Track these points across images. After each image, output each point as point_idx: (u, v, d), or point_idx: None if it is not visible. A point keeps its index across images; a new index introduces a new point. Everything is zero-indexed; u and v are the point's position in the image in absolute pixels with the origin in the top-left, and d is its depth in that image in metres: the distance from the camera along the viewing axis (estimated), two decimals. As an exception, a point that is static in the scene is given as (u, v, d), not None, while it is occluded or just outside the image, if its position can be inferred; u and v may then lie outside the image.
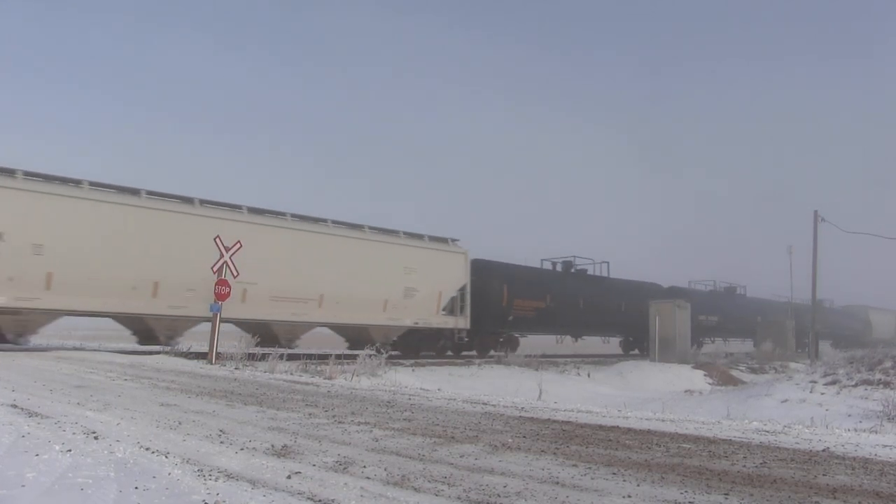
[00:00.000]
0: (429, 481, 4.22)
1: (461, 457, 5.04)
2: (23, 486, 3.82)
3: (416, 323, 22.77)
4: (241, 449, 5.07)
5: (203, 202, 18.23)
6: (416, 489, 4.04)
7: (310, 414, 7.14)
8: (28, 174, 15.49)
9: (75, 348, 16.96)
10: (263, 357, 14.89)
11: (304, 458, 4.82)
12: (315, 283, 19.80)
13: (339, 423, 6.57)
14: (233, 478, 4.16)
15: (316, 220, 20.66)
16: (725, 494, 4.09)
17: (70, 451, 4.66)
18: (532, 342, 28.35)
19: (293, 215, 20.11)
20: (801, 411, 12.65)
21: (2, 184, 14.92)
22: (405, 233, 22.90)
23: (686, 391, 20.42)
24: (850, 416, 12.42)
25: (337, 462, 4.72)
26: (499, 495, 3.94)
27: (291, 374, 12.82)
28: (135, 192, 17.21)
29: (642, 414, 8.75)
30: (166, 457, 4.62)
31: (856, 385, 16.33)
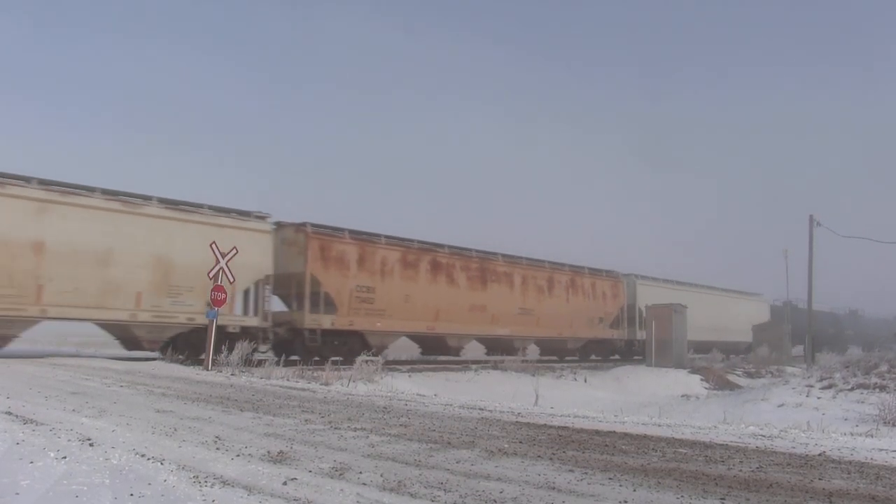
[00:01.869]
0: (425, 487, 4.22)
1: (457, 462, 5.04)
2: (17, 493, 3.81)
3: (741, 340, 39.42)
4: (237, 455, 5.05)
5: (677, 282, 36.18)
6: (412, 495, 4.03)
7: (306, 420, 7.13)
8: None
9: (71, 355, 16.91)
10: (260, 363, 14.87)
11: (301, 465, 4.81)
12: (714, 322, 35.26)
13: (336, 428, 6.56)
14: (228, 484, 4.15)
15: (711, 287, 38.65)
16: (722, 499, 4.10)
17: (65, 458, 4.64)
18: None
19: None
20: (798, 415, 12.66)
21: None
22: (743, 291, 41.71)
23: (683, 396, 20.40)
24: (846, 419, 12.43)
25: (333, 468, 4.71)
26: (495, 501, 3.94)
27: (288, 379, 12.80)
28: (693, 284, 36.75)
29: (639, 419, 8.76)
30: (162, 463, 4.61)
31: (852, 389, 16.36)
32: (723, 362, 30.50)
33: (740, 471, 4.99)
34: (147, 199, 17.45)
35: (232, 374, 13.27)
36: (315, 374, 13.76)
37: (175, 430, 6.13)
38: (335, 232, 20.99)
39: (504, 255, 26.47)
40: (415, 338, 24.26)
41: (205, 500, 3.78)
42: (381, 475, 4.51)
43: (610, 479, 4.59)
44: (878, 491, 4.42)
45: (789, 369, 28.24)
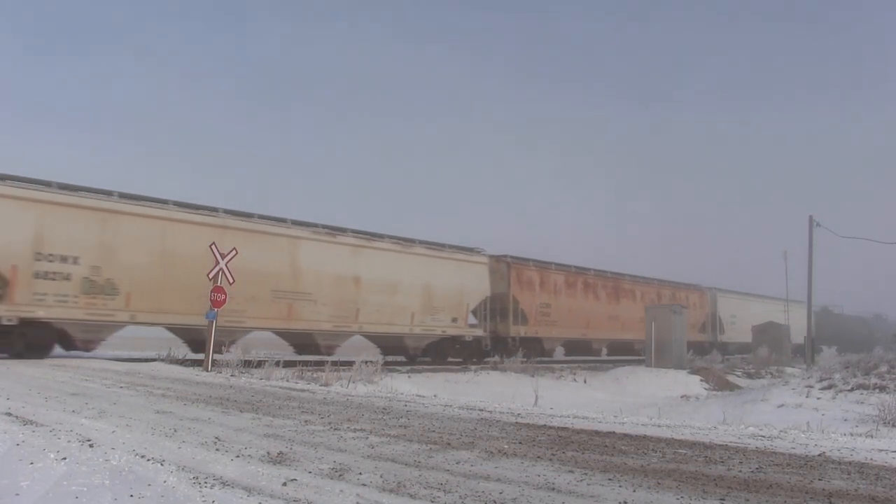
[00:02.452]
0: (425, 488, 4.22)
1: (457, 463, 5.04)
2: (17, 494, 3.81)
3: None
4: (237, 456, 5.05)
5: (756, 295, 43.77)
6: (411, 496, 4.03)
7: (306, 421, 7.13)
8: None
9: (71, 356, 16.88)
10: (259, 364, 14.86)
11: (300, 465, 4.81)
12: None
13: (335, 429, 6.56)
14: (228, 485, 4.15)
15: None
16: (721, 499, 4.10)
17: (65, 459, 4.64)
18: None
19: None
20: (798, 416, 12.65)
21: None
22: (794, 300, 44.18)
23: (682, 396, 20.37)
24: (846, 420, 12.42)
25: (333, 469, 4.71)
26: (495, 501, 3.94)
27: (287, 380, 12.80)
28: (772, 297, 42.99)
29: (638, 419, 8.75)
30: (162, 464, 4.61)
31: (852, 389, 16.33)
32: (722, 363, 30.47)
33: (740, 471, 4.99)
34: (411, 241, 23.60)
35: (231, 375, 13.26)
36: (315, 375, 13.75)
37: (175, 430, 6.13)
38: (524, 261, 27.71)
39: (630, 275, 33.98)
40: (569, 343, 30.81)
41: (205, 500, 3.78)
42: (381, 476, 4.51)
43: (609, 479, 4.59)
44: (877, 491, 4.42)
45: (789, 370, 28.23)
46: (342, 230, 21.59)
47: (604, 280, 32.04)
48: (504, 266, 26.55)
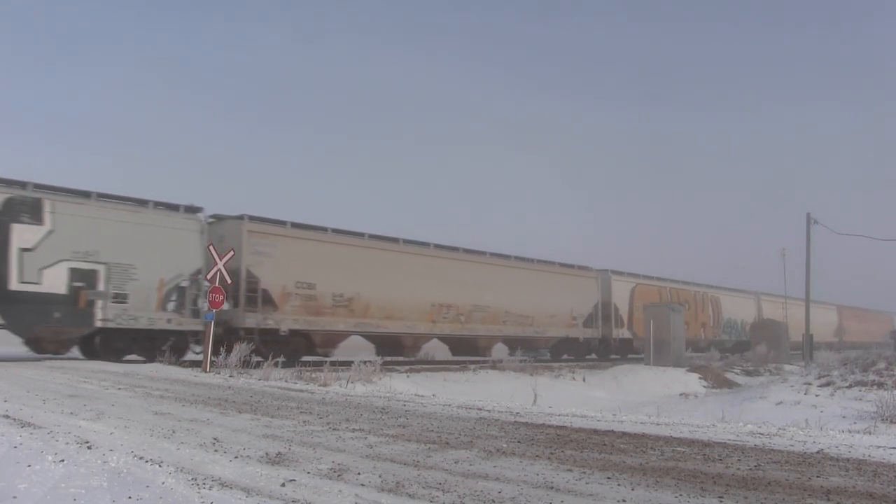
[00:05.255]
0: (423, 487, 4.22)
1: (456, 462, 5.04)
2: (14, 497, 3.80)
3: None
4: (236, 457, 5.05)
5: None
6: (410, 495, 4.03)
7: (304, 421, 7.13)
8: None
9: (69, 357, 16.86)
10: (258, 365, 14.85)
11: (299, 466, 4.81)
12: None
13: (334, 429, 6.56)
14: (227, 486, 4.14)
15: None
16: (720, 497, 4.10)
17: (63, 461, 4.63)
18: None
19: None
20: (796, 413, 12.67)
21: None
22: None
23: (681, 395, 20.41)
24: (844, 417, 12.45)
25: (331, 469, 4.71)
26: (493, 501, 3.94)
27: (286, 381, 12.79)
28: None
29: (637, 418, 8.77)
30: (160, 466, 4.60)
31: (850, 386, 16.38)
32: (721, 360, 30.54)
33: (738, 469, 4.99)
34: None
35: (230, 376, 13.25)
36: (313, 376, 13.75)
37: (173, 432, 6.12)
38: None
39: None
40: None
41: (203, 502, 3.78)
42: (380, 476, 4.51)
43: (608, 478, 4.60)
44: (875, 488, 4.43)
45: (787, 367, 28.30)
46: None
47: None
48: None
